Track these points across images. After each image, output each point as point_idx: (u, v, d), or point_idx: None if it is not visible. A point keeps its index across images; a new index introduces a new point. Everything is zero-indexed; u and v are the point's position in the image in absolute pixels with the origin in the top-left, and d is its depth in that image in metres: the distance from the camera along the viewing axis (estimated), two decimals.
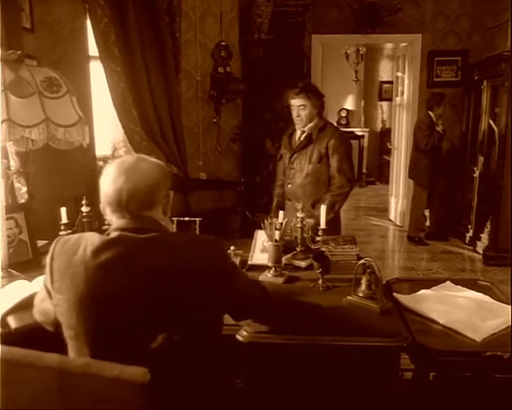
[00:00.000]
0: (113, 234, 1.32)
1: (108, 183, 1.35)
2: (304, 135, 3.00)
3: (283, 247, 2.10)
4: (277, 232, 2.05)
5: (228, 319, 1.50)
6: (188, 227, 2.32)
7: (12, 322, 1.67)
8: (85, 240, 1.32)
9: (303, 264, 2.21)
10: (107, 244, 1.29)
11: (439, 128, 5.49)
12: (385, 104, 10.06)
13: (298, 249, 2.25)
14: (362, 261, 1.83)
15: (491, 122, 5.23)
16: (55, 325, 1.40)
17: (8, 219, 2.10)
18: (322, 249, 2.12)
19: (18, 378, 1.16)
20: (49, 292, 1.37)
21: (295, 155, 3.01)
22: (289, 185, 3.05)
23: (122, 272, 1.26)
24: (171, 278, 1.27)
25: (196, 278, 1.29)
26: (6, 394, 1.14)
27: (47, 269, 1.36)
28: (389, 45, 8.97)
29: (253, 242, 2.37)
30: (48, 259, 1.37)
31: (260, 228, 2.26)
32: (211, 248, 1.37)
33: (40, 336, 1.59)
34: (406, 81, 6.32)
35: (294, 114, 2.95)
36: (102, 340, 1.27)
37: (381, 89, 10.14)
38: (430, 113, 5.57)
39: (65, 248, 1.34)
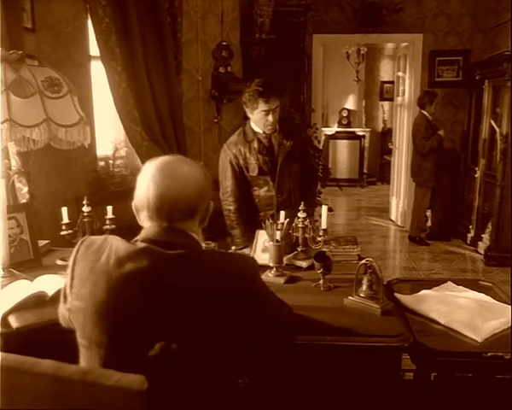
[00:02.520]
0: (140, 245, 1.26)
1: (149, 186, 1.26)
2: (275, 136, 2.72)
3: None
4: (278, 232, 2.05)
5: None
6: None
7: (13, 322, 1.66)
8: (109, 246, 1.26)
9: (304, 264, 2.20)
10: (133, 255, 1.22)
11: (441, 132, 5.49)
12: (386, 104, 10.06)
13: (299, 249, 2.25)
14: (363, 261, 1.82)
15: (492, 122, 5.22)
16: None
17: (9, 218, 2.10)
18: (324, 250, 2.12)
19: (14, 385, 1.13)
20: (65, 296, 1.31)
21: (283, 161, 2.72)
22: (279, 196, 2.75)
23: (144, 288, 1.21)
24: (194, 298, 1.21)
25: (220, 301, 1.23)
26: (2, 400, 1.12)
27: (68, 272, 1.30)
28: (390, 45, 8.95)
29: (254, 242, 2.37)
30: (70, 262, 1.31)
31: (261, 228, 2.25)
32: (241, 271, 1.29)
33: (41, 336, 1.60)
34: (407, 81, 6.32)
35: (269, 118, 2.60)
36: (115, 354, 1.22)
37: (383, 89, 10.14)
38: (425, 113, 5.57)
39: (88, 253, 1.28)
